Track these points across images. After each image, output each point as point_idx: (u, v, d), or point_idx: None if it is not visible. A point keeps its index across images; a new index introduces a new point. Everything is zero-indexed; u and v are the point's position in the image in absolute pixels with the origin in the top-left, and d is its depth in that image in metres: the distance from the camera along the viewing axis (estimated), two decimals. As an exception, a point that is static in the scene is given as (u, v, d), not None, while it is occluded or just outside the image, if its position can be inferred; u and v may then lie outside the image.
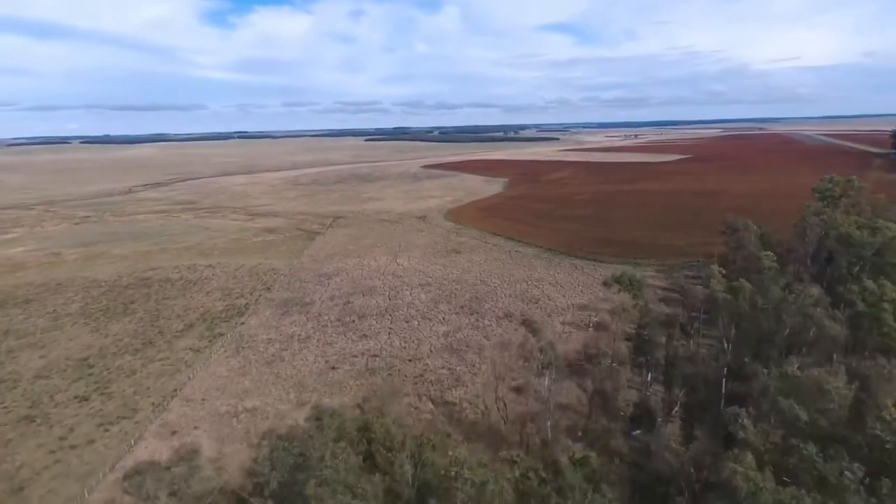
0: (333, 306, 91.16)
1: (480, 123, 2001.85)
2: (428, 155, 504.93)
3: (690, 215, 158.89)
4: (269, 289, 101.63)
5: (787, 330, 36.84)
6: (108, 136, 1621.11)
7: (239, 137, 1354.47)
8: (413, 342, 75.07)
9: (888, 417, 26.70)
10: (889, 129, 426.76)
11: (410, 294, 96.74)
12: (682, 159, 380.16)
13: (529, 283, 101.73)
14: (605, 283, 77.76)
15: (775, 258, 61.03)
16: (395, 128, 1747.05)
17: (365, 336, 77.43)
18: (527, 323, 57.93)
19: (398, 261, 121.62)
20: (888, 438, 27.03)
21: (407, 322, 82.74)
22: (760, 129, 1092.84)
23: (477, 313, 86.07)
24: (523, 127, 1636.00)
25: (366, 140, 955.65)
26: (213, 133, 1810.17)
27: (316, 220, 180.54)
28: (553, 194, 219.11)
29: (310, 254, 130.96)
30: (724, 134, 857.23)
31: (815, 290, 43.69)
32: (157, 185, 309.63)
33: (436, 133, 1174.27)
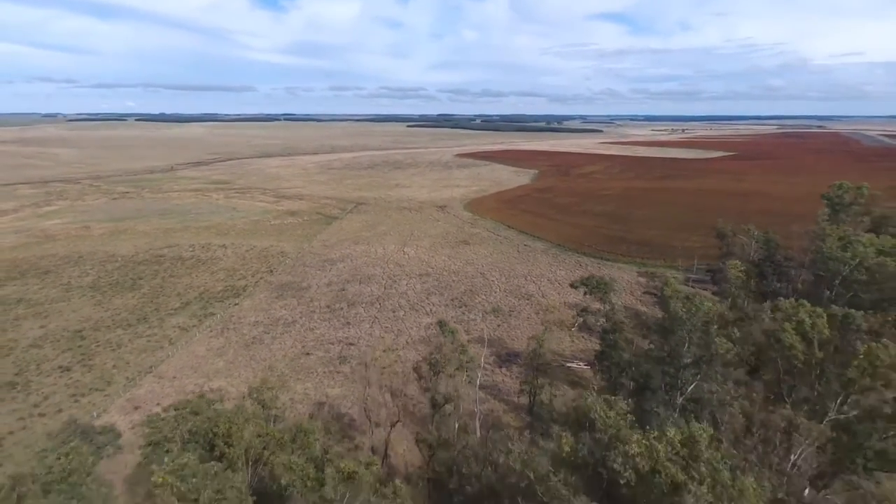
0: (328, 292, 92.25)
1: (525, 113, 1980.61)
2: (466, 143, 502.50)
3: (715, 216, 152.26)
4: (271, 271, 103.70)
5: (687, 344, 34.88)
6: (162, 114, 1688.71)
7: (285, 120, 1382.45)
8: (393, 332, 75.28)
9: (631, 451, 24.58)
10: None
11: (406, 284, 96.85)
12: (725, 156, 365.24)
13: (528, 278, 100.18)
14: (572, 286, 75.65)
15: (743, 268, 57.67)
16: (438, 115, 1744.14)
17: (349, 324, 78.12)
18: (441, 323, 57.06)
19: (405, 249, 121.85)
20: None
21: (394, 312, 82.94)
22: (820, 127, 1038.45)
23: (466, 306, 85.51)
24: (569, 118, 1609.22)
25: (408, 126, 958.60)
26: (261, 115, 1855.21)
27: (338, 204, 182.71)
28: (580, 188, 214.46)
29: (322, 238, 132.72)
30: (780, 131, 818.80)
31: (716, 305, 40.71)
32: (199, 164, 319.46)
33: (478, 121, 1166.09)
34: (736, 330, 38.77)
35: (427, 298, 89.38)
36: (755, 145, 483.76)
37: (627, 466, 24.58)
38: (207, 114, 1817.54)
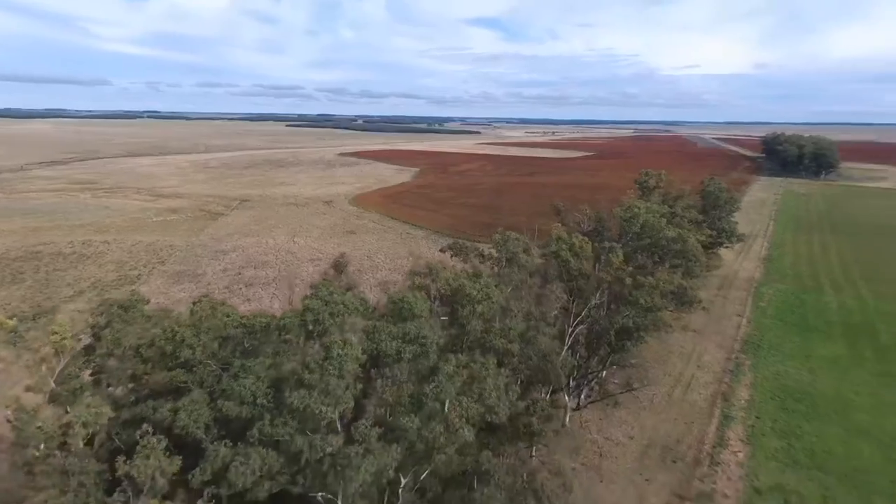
0: (224, 277, 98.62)
1: (406, 114, 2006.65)
2: (349, 143, 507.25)
3: (571, 204, 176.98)
4: (163, 262, 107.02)
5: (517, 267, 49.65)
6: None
7: (149, 117, 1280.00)
8: (292, 305, 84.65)
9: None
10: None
11: (299, 267, 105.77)
12: (586, 156, 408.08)
13: (410, 258, 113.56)
14: (441, 251, 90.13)
15: (564, 230, 76.17)
16: (318, 114, 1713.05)
17: (248, 300, 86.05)
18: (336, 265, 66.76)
19: (296, 239, 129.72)
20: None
21: (290, 289, 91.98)
22: (667, 131, 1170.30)
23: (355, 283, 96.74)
24: (449, 119, 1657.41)
25: (287, 125, 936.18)
26: (119, 111, 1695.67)
27: (222, 202, 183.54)
28: (457, 184, 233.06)
29: (210, 233, 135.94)
30: (633, 134, 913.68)
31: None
32: (54, 163, 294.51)
33: (360, 121, 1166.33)
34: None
35: (320, 277, 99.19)
36: (611, 146, 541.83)
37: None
38: (53, 109, 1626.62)
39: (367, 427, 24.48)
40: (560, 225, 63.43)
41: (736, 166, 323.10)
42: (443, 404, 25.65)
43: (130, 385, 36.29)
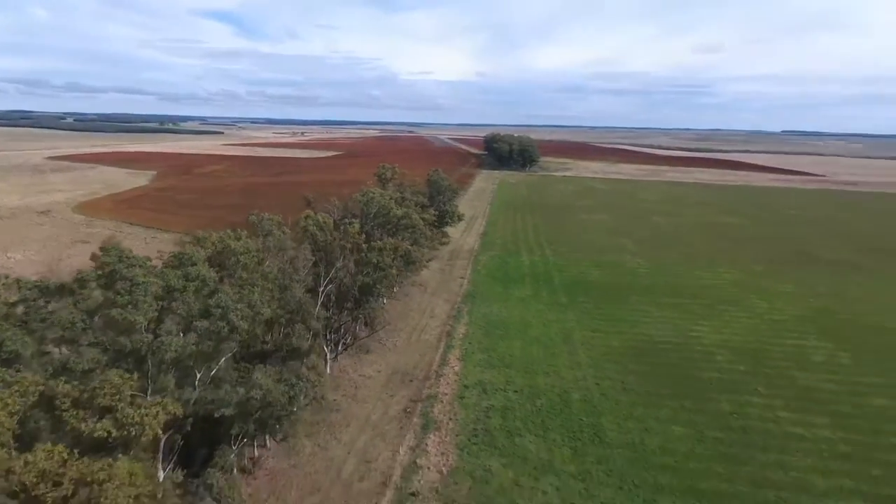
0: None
1: (132, 112, 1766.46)
2: (60, 145, 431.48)
3: (322, 197, 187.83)
4: None
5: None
6: None
7: None
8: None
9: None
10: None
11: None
12: (335, 155, 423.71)
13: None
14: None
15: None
16: (12, 110, 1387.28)
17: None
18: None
19: (9, 255, 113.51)
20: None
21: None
22: (410, 131, 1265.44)
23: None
24: (187, 118, 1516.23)
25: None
26: None
27: None
28: (203, 186, 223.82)
29: None
30: (379, 135, 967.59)
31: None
32: None
33: (70, 119, 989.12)
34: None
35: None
36: (359, 146, 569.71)
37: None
38: None
39: (169, 325, 31.14)
40: (311, 212, 73.27)
41: (465, 162, 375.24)
42: (224, 310, 33.61)
43: None
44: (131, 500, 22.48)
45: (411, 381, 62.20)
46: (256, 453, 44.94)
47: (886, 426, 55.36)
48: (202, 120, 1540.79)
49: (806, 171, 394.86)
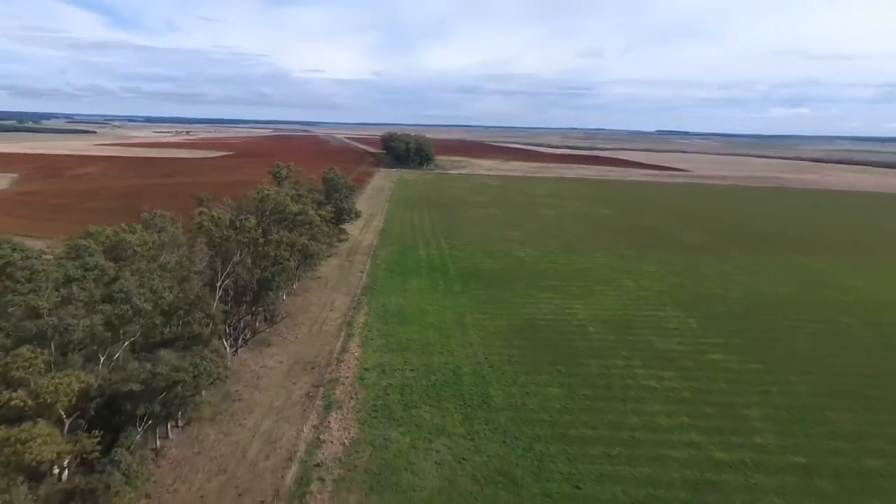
0: None
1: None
2: None
3: (215, 197, 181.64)
4: None
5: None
6: None
7: None
8: None
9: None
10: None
11: None
12: (226, 155, 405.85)
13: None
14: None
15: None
16: None
17: None
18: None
19: None
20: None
21: None
22: (306, 130, 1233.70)
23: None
24: (50, 116, 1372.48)
25: None
26: None
27: None
28: (77, 189, 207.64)
29: None
30: (273, 134, 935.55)
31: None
32: None
33: None
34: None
35: None
36: (251, 145, 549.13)
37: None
38: None
39: (73, 310, 31.98)
40: (206, 209, 73.29)
41: (362, 161, 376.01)
42: (127, 294, 34.81)
43: None
44: (55, 455, 23.88)
45: (313, 368, 64.93)
46: (159, 444, 45.91)
47: (719, 375, 66.87)
48: (69, 118, 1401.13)
49: (673, 166, 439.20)
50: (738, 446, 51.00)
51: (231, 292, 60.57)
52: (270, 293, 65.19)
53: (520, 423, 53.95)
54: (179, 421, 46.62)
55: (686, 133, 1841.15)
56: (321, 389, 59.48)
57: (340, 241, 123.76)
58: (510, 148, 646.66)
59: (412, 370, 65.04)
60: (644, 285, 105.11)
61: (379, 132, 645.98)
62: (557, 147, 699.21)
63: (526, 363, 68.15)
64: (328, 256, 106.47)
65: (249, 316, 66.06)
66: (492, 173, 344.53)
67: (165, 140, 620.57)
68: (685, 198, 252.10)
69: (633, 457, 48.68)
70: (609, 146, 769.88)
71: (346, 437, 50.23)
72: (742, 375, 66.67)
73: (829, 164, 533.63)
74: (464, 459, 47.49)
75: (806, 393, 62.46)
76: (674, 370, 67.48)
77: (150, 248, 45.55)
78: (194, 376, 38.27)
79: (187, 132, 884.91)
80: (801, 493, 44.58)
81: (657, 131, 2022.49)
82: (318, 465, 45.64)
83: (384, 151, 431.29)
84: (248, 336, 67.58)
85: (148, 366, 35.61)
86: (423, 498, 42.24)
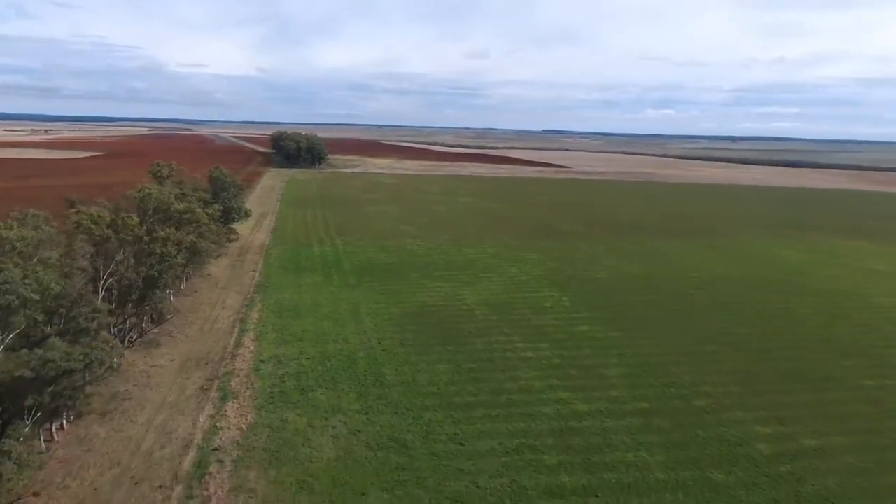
0: None
1: None
2: None
3: (88, 200, 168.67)
4: None
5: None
6: None
7: None
8: None
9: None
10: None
11: None
12: (95, 156, 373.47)
13: None
14: None
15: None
16: None
17: None
18: None
19: None
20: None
21: None
22: (188, 129, 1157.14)
23: None
24: None
25: None
26: None
27: None
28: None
29: None
30: (149, 133, 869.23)
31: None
32: None
33: None
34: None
35: None
36: (124, 145, 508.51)
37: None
38: None
39: None
40: (82, 209, 70.33)
41: (251, 160, 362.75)
42: (12, 285, 34.41)
43: None
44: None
45: (207, 363, 65.34)
46: (44, 447, 45.10)
47: (585, 343, 76.31)
48: None
49: (557, 163, 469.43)
50: (596, 399, 59.56)
51: (115, 292, 59.37)
52: (157, 291, 64.50)
53: (410, 396, 58.76)
54: (69, 417, 45.96)
55: (570, 132, 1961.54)
56: (216, 382, 60.36)
57: (230, 240, 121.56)
58: (404, 147, 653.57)
59: (308, 358, 67.57)
60: (526, 270, 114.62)
61: (269, 131, 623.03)
62: (451, 146, 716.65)
63: (417, 345, 73.20)
64: (217, 256, 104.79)
65: (135, 317, 64.89)
66: (386, 172, 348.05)
67: (21, 140, 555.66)
68: (566, 192, 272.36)
69: (509, 415, 55.29)
70: (499, 145, 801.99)
71: (243, 423, 52.09)
72: (604, 343, 76.56)
73: (690, 161, 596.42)
74: (358, 431, 51.34)
75: (654, 353, 73.25)
76: (547, 342, 75.85)
77: (28, 245, 44.29)
78: (86, 364, 38.55)
79: (46, 131, 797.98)
80: (643, 431, 53.48)
81: (544, 131, 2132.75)
82: (216, 450, 47.26)
83: (274, 151, 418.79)
84: (134, 337, 66.35)
85: (39, 352, 35.48)
86: (320, 467, 45.54)
